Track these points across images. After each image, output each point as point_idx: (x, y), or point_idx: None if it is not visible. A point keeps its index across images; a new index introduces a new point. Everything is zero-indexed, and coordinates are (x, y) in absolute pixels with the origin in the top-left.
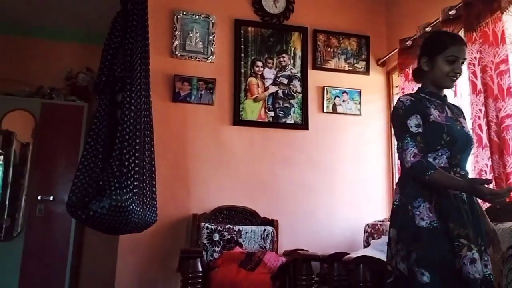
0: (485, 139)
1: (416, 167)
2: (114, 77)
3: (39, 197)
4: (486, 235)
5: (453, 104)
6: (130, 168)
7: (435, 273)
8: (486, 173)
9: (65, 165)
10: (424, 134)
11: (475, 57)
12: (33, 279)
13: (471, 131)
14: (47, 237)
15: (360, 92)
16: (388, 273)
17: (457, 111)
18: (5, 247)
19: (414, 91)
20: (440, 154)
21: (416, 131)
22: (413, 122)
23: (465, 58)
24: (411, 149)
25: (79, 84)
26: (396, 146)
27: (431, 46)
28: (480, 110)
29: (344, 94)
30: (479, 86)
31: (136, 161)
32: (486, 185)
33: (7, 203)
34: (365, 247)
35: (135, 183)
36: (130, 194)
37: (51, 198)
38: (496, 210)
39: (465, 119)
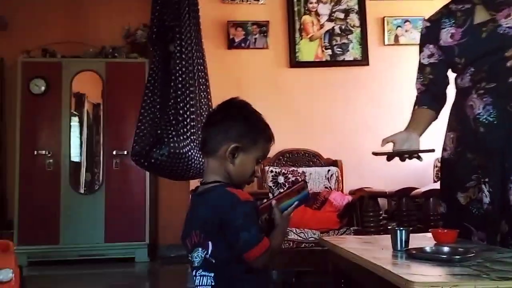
0: None
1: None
2: (165, 28)
3: (114, 152)
4: None
5: None
6: (185, 116)
7: (448, 206)
8: None
9: (134, 121)
10: (439, 62)
11: None
12: (116, 229)
13: None
14: (125, 189)
15: (424, 19)
16: None
17: None
18: (89, 200)
19: None
20: (465, 72)
21: (427, 62)
22: (425, 53)
23: None
24: (416, 83)
25: (138, 41)
26: None
27: None
28: None
29: (407, 23)
30: None
31: (192, 109)
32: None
33: (85, 160)
34: (435, 182)
35: (192, 130)
36: (188, 141)
37: (125, 152)
38: None
39: None
